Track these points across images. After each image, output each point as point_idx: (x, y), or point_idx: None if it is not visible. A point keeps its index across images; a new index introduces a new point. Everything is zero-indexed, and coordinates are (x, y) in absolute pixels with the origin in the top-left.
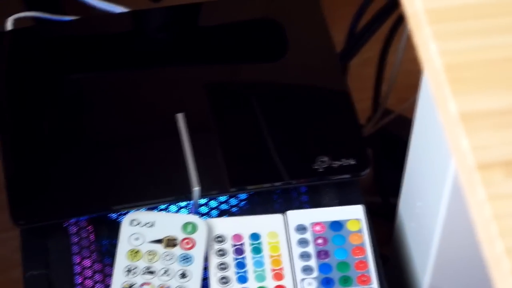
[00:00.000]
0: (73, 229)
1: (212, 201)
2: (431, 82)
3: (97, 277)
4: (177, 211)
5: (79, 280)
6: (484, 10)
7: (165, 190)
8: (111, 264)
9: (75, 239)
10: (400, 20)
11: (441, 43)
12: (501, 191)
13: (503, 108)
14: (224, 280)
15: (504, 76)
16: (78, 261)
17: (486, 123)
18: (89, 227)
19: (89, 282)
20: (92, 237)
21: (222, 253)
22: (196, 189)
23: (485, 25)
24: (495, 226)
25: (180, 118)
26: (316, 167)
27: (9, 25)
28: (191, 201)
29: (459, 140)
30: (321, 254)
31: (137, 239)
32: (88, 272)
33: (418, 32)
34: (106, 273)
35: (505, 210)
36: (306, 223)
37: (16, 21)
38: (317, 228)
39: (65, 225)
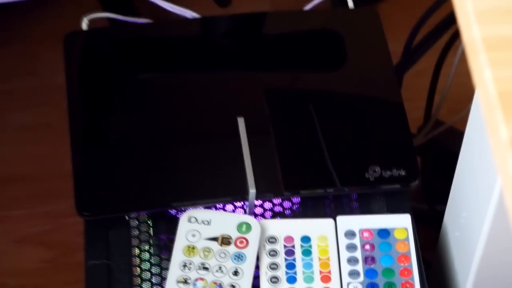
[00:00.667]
0: (134, 223)
1: (267, 203)
2: (483, 106)
3: (154, 269)
4: (233, 211)
5: (137, 272)
6: None
7: (223, 190)
8: (168, 258)
9: (135, 232)
10: (456, 34)
11: (496, 71)
12: None
13: None
14: (274, 279)
15: None
16: (137, 254)
17: None
18: (149, 221)
19: (146, 274)
20: (151, 231)
21: (273, 253)
22: (252, 191)
23: None
24: None
25: (241, 122)
26: (367, 176)
27: (84, 25)
28: (247, 202)
29: (507, 165)
30: (368, 259)
31: (193, 235)
32: (146, 265)
33: (473, 58)
34: (163, 267)
35: None
36: (355, 229)
37: (91, 21)
38: (366, 234)
39: (126, 218)
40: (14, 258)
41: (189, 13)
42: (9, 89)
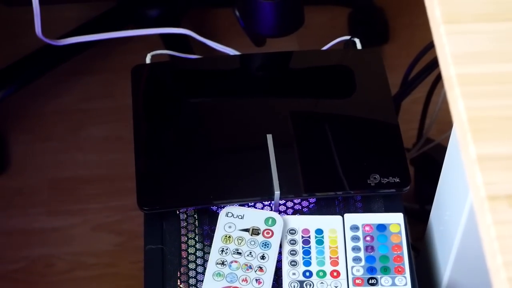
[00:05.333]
0: (183, 216)
1: (289, 202)
2: (457, 130)
3: (198, 253)
4: (262, 208)
5: (184, 255)
6: (504, 78)
7: (254, 192)
8: (209, 245)
9: (184, 224)
10: None
11: (466, 101)
12: (504, 218)
13: (511, 154)
14: (293, 263)
15: None
16: (185, 240)
17: (497, 164)
18: (195, 215)
19: (192, 257)
20: (196, 223)
21: (293, 242)
22: (277, 193)
23: (505, 89)
24: (497, 244)
25: (269, 138)
26: (369, 182)
27: (147, 59)
28: (273, 201)
29: (474, 176)
30: (368, 248)
31: (230, 227)
32: (192, 249)
33: (450, 91)
34: (205, 251)
35: (507, 233)
36: (359, 224)
37: (153, 56)
38: (367, 228)
39: (177, 212)
40: (91, 242)
41: (230, 51)
42: (91, 108)
